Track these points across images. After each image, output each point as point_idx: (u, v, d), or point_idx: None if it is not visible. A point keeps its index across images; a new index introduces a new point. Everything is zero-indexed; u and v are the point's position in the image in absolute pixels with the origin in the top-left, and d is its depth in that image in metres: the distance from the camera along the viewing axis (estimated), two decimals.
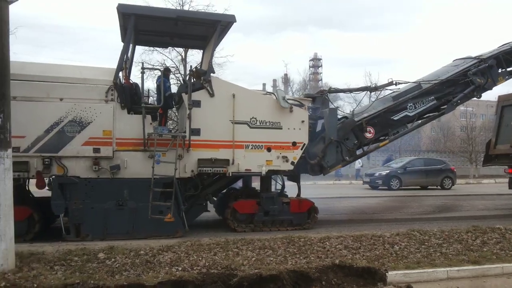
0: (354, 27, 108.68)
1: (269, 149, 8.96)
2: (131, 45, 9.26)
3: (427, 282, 6.07)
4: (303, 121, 9.23)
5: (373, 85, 11.45)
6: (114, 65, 8.32)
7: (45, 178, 7.94)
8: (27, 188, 8.68)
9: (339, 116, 10.43)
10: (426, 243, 7.42)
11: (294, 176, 10.09)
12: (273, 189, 10.08)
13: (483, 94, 11.57)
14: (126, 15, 8.33)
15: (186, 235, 8.24)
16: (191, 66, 10.74)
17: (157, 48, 20.19)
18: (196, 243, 6.96)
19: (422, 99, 10.94)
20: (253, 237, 7.52)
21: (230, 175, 8.85)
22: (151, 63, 22.32)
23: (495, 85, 11.58)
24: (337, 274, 5.78)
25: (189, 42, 11.07)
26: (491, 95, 16.07)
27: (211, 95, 8.61)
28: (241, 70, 77.41)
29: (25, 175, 7.85)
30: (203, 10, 20.53)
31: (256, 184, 11.35)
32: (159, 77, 9.71)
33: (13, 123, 7.25)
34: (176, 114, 15.29)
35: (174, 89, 11.19)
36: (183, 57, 22.79)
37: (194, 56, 22.81)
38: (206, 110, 8.55)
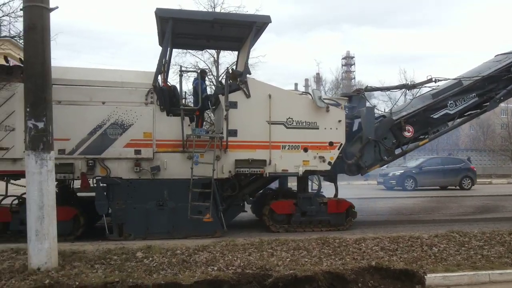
0: (390, 24, 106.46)
1: (305, 149, 9.03)
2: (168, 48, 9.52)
3: (468, 285, 5.95)
4: (340, 121, 9.25)
5: (411, 83, 11.28)
6: (147, 68, 8.56)
7: (89, 179, 8.31)
8: (72, 189, 9.08)
9: (376, 115, 10.36)
10: (466, 245, 7.30)
11: (331, 176, 10.10)
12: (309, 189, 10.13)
13: None
14: (164, 19, 8.56)
15: (223, 235, 8.41)
16: (227, 68, 10.93)
17: (190, 51, 20.61)
18: (231, 243, 7.08)
19: (463, 96, 10.72)
20: (287, 237, 7.57)
21: (267, 175, 8.96)
22: (184, 65, 22.81)
23: None
24: (373, 276, 5.76)
25: (224, 44, 11.23)
26: None
27: (248, 96, 8.75)
28: (273, 70, 77.64)
29: (70, 176, 8.22)
30: (234, 12, 20.79)
31: (291, 184, 11.48)
32: (195, 79, 9.93)
33: (59, 127, 7.65)
34: (210, 115, 15.60)
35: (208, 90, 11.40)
36: (215, 58, 23.10)
37: (226, 58, 23.25)
38: (242, 111, 8.69)
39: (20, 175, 7.68)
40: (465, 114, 11.24)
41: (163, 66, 8.93)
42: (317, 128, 9.08)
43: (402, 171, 21.99)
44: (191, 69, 15.58)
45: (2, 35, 6.56)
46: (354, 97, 10.60)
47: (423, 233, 8.10)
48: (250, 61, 23.75)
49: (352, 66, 71.98)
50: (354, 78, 65.74)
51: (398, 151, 10.61)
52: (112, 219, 8.34)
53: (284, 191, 10.52)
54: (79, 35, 78.90)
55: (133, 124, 8.29)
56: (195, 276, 5.43)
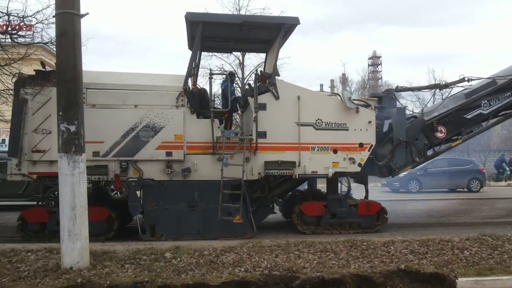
0: (417, 22, 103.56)
1: (335, 151, 8.79)
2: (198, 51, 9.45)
3: None
4: (370, 122, 8.95)
5: (443, 82, 10.81)
6: (172, 71, 8.54)
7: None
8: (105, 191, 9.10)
9: (407, 116, 9.98)
10: (499, 249, 6.91)
11: (361, 178, 9.79)
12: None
13: None
14: (194, 23, 8.50)
15: (253, 236, 8.25)
16: (256, 70, 10.78)
17: (216, 53, 20.56)
18: (258, 245, 6.95)
19: (497, 95, 10.20)
20: (314, 239, 7.39)
21: (297, 177, 8.76)
22: (210, 68, 22.72)
23: None
24: (402, 280, 5.57)
25: (252, 46, 11.11)
26: None
27: (276, 97, 8.59)
28: (298, 71, 76.79)
29: (104, 178, 8.23)
30: (259, 14, 20.66)
31: (320, 186, 11.21)
32: (224, 81, 9.85)
33: (93, 130, 7.74)
34: (236, 117, 15.46)
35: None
36: (241, 61, 23.02)
37: (252, 60, 23.12)
38: (271, 112, 8.54)
39: (57, 176, 7.71)
40: (500, 114, 10.70)
41: (193, 69, 8.86)
42: (347, 130, 8.82)
43: (406, 172, 20.69)
44: (220, 72, 15.51)
45: (35, 41, 6.62)
46: (384, 98, 10.26)
47: (454, 236, 7.75)
48: None
49: (378, 66, 70.52)
50: (381, 78, 64.43)
51: (430, 152, 10.19)
52: (144, 220, 8.32)
53: (313, 193, 10.26)
54: (108, 39, 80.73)
55: (165, 127, 8.25)
56: (223, 277, 5.37)
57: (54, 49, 6.14)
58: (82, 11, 5.75)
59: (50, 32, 6.45)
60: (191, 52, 8.69)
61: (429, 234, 8.37)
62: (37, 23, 6.30)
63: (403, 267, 5.78)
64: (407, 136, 9.53)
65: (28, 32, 6.59)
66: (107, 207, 8.49)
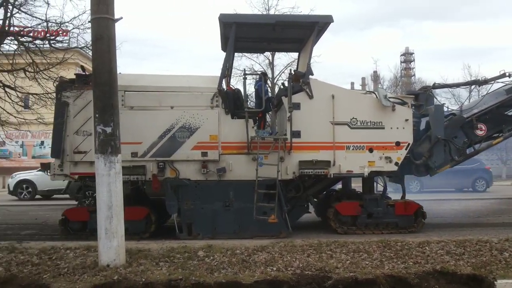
0: (452, 17, 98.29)
1: (371, 150, 8.39)
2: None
3: None
4: (407, 120, 8.49)
5: (482, 78, 10.15)
6: (204, 72, 8.40)
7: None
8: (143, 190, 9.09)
9: (445, 113, 9.43)
10: None
11: (397, 177, 9.32)
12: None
13: None
14: (228, 24, 8.31)
15: (288, 236, 8.00)
16: (290, 69, 10.48)
17: (245, 54, 20.35)
18: (289, 244, 6.77)
19: None
20: (347, 239, 7.13)
21: (331, 176, 8.43)
22: (240, 68, 22.44)
23: None
24: (438, 281, 5.32)
25: (285, 45, 10.82)
26: None
27: (310, 97, 8.30)
28: (328, 70, 75.22)
29: (142, 178, 8.18)
30: (288, 13, 20.27)
31: (354, 185, 10.80)
32: (257, 82, 9.65)
33: (131, 131, 7.74)
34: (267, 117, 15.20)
35: None
36: (270, 60, 22.72)
37: (281, 59, 22.85)
38: (305, 112, 8.27)
39: None
40: None
41: (227, 70, 8.68)
42: (383, 128, 8.41)
43: None
44: (254, 72, 15.31)
45: (72, 46, 6.65)
46: (421, 95, 9.70)
47: (492, 236, 7.31)
48: None
49: (411, 63, 67.98)
50: (414, 75, 61.99)
51: (470, 150, 9.59)
52: (181, 219, 8.22)
53: (348, 192, 9.88)
54: (141, 43, 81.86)
55: (200, 127, 8.13)
56: (255, 276, 5.27)
57: (90, 53, 6.13)
58: (116, 16, 5.71)
59: (86, 37, 6.49)
60: (224, 53, 8.53)
61: (466, 234, 7.91)
62: (73, 28, 6.34)
63: (439, 268, 5.52)
64: (446, 134, 9.01)
65: (65, 38, 6.59)
66: (145, 206, 8.44)
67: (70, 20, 6.24)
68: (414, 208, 8.72)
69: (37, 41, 6.33)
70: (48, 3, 6.26)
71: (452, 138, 9.14)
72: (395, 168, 8.46)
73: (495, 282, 5.19)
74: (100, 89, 5.68)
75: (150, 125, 8.06)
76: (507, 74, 9.45)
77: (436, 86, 10.15)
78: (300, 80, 8.37)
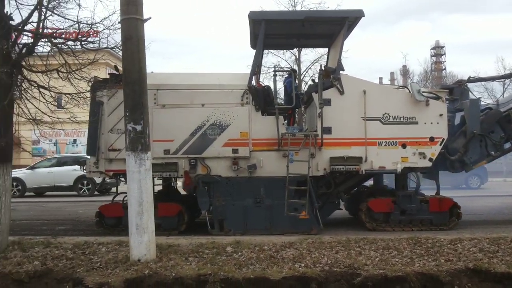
0: (484, 9, 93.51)
1: (404, 146, 8.01)
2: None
3: None
4: (441, 115, 8.04)
5: None
6: (231, 69, 8.24)
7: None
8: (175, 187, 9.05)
9: (481, 108, 8.90)
10: None
11: (432, 173, 8.87)
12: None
13: None
14: (257, 22, 8.11)
15: (319, 232, 7.74)
16: (321, 65, 10.16)
17: (272, 50, 19.97)
18: (317, 241, 6.59)
19: None
20: (376, 236, 6.87)
21: (363, 172, 8.09)
22: (266, 65, 21.99)
23: None
24: (471, 279, 5.15)
25: (314, 41, 10.53)
26: None
27: (341, 92, 7.99)
28: (356, 65, 73.12)
29: (174, 175, 8.12)
30: (315, 9, 19.73)
31: (386, 181, 10.39)
32: (286, 78, 9.41)
33: (164, 129, 7.73)
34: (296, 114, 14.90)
35: None
36: (297, 57, 22.27)
37: (308, 56, 22.34)
38: (336, 108, 7.97)
39: None
40: None
41: (257, 67, 8.49)
42: (416, 123, 8.00)
43: None
44: (283, 69, 15.00)
45: (102, 46, 6.65)
46: (456, 89, 9.21)
47: None
48: None
49: (442, 57, 65.42)
50: (445, 69, 59.58)
51: (507, 145, 9.02)
52: (213, 215, 8.11)
53: (380, 189, 9.49)
54: (169, 42, 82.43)
55: (230, 124, 7.98)
56: (283, 272, 5.16)
57: (120, 53, 6.09)
58: (145, 16, 5.66)
59: (116, 37, 6.47)
60: (254, 50, 8.34)
61: (500, 232, 7.45)
62: (104, 29, 6.33)
63: (472, 266, 5.31)
64: (482, 128, 8.52)
65: (96, 38, 6.60)
66: (178, 203, 8.38)
67: (100, 21, 6.23)
68: (449, 205, 8.27)
69: (69, 42, 6.34)
70: (79, 5, 6.28)
71: (488, 133, 8.62)
72: (429, 164, 8.04)
73: None
74: (130, 88, 5.63)
75: (181, 123, 7.98)
76: None
77: (471, 80, 9.62)
78: (331, 76, 8.10)
